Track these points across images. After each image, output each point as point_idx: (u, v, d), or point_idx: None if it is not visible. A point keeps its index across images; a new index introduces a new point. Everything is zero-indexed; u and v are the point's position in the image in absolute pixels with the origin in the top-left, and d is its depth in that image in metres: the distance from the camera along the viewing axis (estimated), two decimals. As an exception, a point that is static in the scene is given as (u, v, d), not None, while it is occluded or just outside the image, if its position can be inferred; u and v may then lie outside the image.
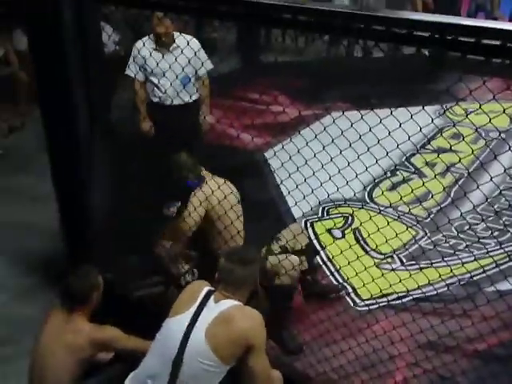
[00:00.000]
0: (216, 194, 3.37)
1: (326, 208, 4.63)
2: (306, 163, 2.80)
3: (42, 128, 3.53)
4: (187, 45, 3.68)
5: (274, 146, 4.17)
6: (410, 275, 3.02)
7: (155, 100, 4.46)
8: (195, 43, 4.17)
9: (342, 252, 3.11)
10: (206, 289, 2.51)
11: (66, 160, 3.36)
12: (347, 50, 8.70)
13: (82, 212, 3.49)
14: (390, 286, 3.04)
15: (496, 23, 1.90)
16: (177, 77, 3.81)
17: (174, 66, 3.67)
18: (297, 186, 2.92)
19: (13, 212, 2.69)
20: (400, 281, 2.97)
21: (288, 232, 3.45)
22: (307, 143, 2.75)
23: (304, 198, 2.91)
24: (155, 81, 4.35)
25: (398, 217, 4.12)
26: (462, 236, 3.95)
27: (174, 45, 4.23)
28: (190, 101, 4.45)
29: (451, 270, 2.93)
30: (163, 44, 4.27)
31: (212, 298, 2.46)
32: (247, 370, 2.41)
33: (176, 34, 4.25)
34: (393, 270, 3.70)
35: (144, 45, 4.20)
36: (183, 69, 3.75)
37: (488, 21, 1.95)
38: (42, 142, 3.61)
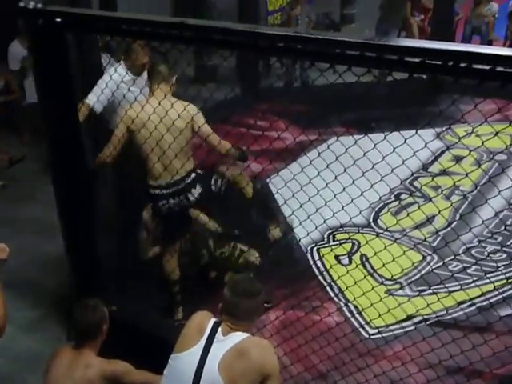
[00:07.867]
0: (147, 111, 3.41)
1: (332, 234, 4.62)
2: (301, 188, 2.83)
3: (43, 158, 3.52)
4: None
5: (271, 173, 4.17)
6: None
7: None
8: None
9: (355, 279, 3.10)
10: (211, 321, 2.46)
11: (71, 191, 3.34)
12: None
13: (89, 243, 3.47)
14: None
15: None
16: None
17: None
18: (292, 213, 2.96)
19: (18, 243, 2.68)
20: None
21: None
22: (302, 169, 2.77)
23: (301, 223, 2.97)
24: None
25: (394, 240, 4.08)
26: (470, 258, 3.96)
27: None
28: None
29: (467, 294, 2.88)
30: None
31: (220, 330, 2.42)
32: None
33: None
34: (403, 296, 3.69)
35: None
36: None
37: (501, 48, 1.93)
38: (44, 173, 3.60)
